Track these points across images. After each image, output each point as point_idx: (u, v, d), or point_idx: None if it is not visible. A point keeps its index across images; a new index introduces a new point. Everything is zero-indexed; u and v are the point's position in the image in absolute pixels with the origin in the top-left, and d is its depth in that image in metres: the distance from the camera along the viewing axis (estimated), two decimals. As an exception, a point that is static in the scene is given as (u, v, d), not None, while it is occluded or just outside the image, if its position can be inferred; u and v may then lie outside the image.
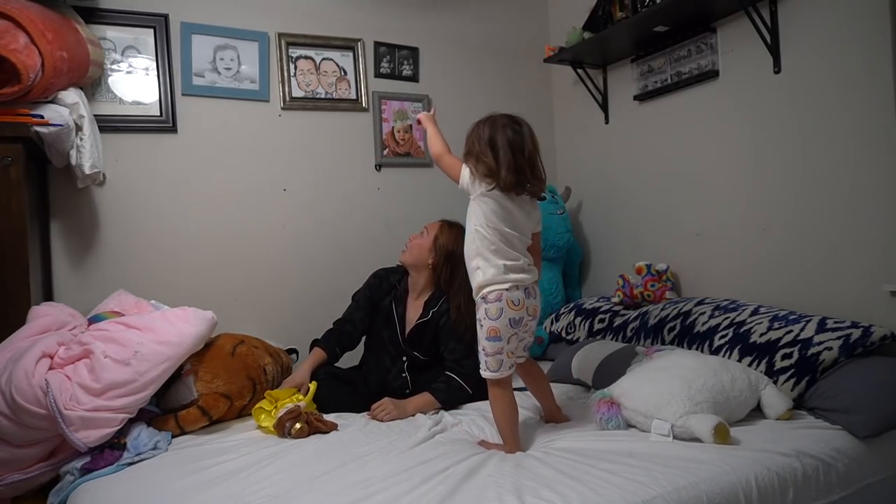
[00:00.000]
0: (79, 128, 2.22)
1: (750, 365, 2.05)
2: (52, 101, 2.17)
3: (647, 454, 1.63)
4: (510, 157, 1.75)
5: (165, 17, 2.68)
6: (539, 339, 3.03)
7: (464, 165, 1.83)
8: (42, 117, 2.07)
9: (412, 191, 3.20)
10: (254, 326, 2.59)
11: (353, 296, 2.50)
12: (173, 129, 2.69)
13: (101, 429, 1.75)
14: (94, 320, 2.08)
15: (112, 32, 2.60)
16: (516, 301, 1.77)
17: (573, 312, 2.98)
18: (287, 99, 2.92)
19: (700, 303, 2.45)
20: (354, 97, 3.08)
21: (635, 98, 3.03)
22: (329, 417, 2.05)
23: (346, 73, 3.06)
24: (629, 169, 3.12)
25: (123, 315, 2.09)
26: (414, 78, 3.23)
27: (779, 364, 2.00)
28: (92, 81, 2.50)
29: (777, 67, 2.39)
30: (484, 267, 1.78)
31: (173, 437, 1.93)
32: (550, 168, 3.57)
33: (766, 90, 2.44)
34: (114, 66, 2.59)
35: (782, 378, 1.97)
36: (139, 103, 2.64)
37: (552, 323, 3.06)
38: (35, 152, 2.19)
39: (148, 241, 2.64)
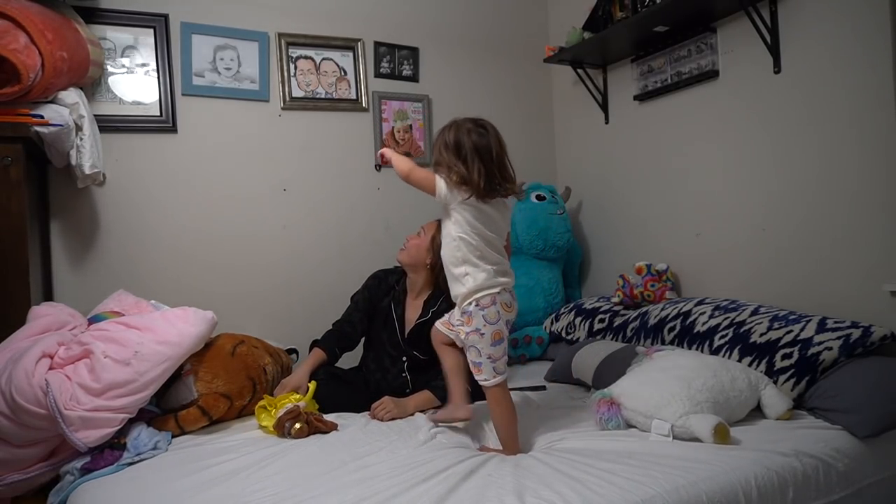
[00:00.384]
0: (79, 128, 2.22)
1: (750, 365, 2.05)
2: (52, 101, 2.17)
3: (646, 454, 1.63)
4: (479, 162, 1.74)
5: (165, 17, 2.68)
6: (539, 338, 3.04)
7: (437, 177, 1.81)
8: (42, 117, 2.07)
9: (412, 191, 3.16)
10: (254, 326, 2.59)
11: (352, 297, 2.50)
12: (173, 129, 2.69)
13: (101, 429, 1.75)
14: (94, 320, 2.07)
15: (112, 32, 2.60)
16: (508, 303, 1.81)
17: (573, 312, 2.99)
18: (287, 99, 2.92)
19: (700, 303, 2.45)
20: (354, 97, 3.08)
21: (635, 98, 3.03)
22: (329, 417, 2.05)
23: (346, 73, 3.06)
24: (629, 169, 3.12)
25: (123, 315, 2.09)
26: (414, 78, 3.23)
27: (779, 364, 2.00)
28: (92, 81, 2.50)
29: (777, 67, 2.39)
30: (473, 273, 1.79)
31: (173, 437, 1.93)
32: (550, 168, 3.60)
33: (766, 90, 2.44)
34: (114, 66, 2.59)
35: (782, 378, 1.97)
36: (139, 103, 2.64)
37: (552, 323, 3.07)
38: (35, 152, 2.19)
39: (148, 240, 2.64)
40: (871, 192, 2.13)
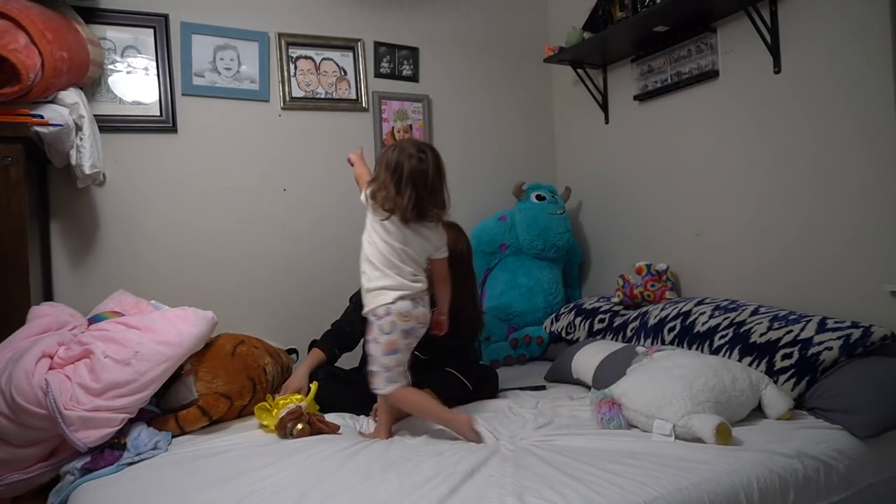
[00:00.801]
0: (79, 128, 2.22)
1: (750, 365, 2.04)
2: (52, 101, 2.17)
3: (648, 454, 1.63)
4: (412, 188, 1.83)
5: (165, 17, 2.68)
6: (539, 338, 3.04)
7: (365, 188, 1.92)
8: (42, 117, 2.07)
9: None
10: (254, 326, 2.59)
11: (351, 298, 2.50)
12: (173, 129, 2.69)
13: (101, 429, 1.75)
14: (94, 320, 2.07)
15: (112, 32, 2.60)
16: (405, 312, 1.85)
17: (573, 312, 2.99)
18: (287, 99, 2.92)
19: (700, 303, 2.45)
20: (354, 97, 3.08)
21: (635, 98, 3.03)
22: (329, 418, 2.05)
23: (346, 73, 3.06)
24: (629, 169, 3.12)
25: (123, 315, 2.09)
26: (414, 78, 3.23)
27: (779, 364, 2.00)
28: (92, 81, 2.50)
29: (777, 67, 2.39)
30: (368, 272, 1.89)
31: (173, 437, 1.93)
32: (550, 168, 3.60)
33: (766, 90, 2.44)
34: (114, 66, 2.59)
35: (782, 378, 1.97)
36: (139, 103, 2.64)
37: (552, 323, 3.07)
38: (35, 152, 2.19)
39: (148, 241, 2.64)
40: (871, 192, 2.13)
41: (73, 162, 2.23)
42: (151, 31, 2.66)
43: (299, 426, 1.90)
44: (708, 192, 2.71)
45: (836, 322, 2.03)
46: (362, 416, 2.14)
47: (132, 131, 2.62)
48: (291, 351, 2.59)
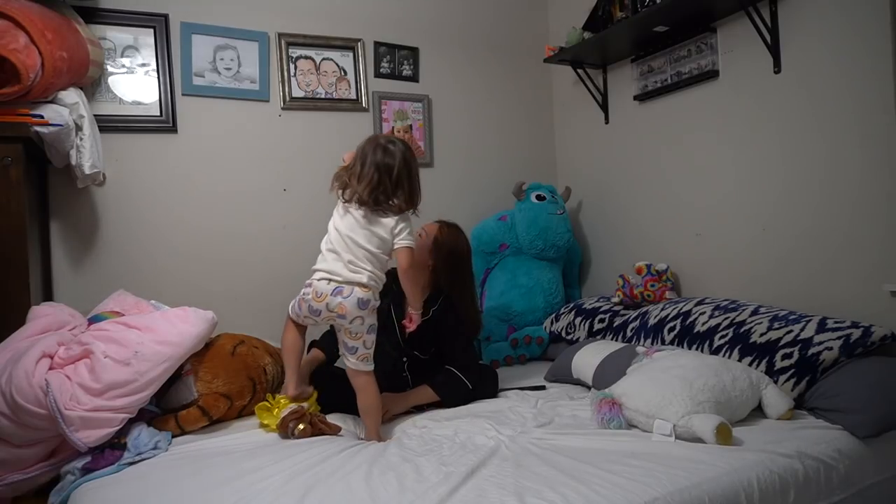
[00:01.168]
0: (79, 128, 2.22)
1: (750, 365, 2.04)
2: (52, 101, 2.17)
3: (649, 454, 1.63)
4: (376, 175, 1.91)
5: (165, 17, 2.68)
6: (539, 338, 3.04)
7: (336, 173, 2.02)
8: (42, 117, 2.07)
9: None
10: (254, 326, 2.58)
11: None
12: (173, 129, 2.69)
13: (102, 429, 1.75)
14: (94, 320, 2.07)
15: (112, 32, 2.60)
16: (319, 292, 1.91)
17: (573, 312, 2.98)
18: (287, 99, 2.92)
19: (700, 303, 2.45)
20: (354, 97, 3.08)
21: (635, 98, 3.03)
22: (330, 418, 2.05)
23: (346, 73, 3.06)
24: (629, 169, 3.12)
25: (123, 315, 2.09)
26: (414, 78, 3.23)
27: (779, 364, 2.00)
28: (92, 81, 2.50)
29: (777, 67, 2.39)
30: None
31: (173, 437, 1.92)
32: (550, 168, 3.60)
33: (766, 90, 2.44)
34: (114, 66, 2.59)
35: (782, 378, 1.97)
36: (139, 103, 2.64)
37: (552, 323, 3.07)
38: (35, 152, 2.18)
39: (148, 241, 2.64)
40: (871, 192, 2.13)
41: (73, 162, 2.23)
42: (151, 31, 2.66)
43: (301, 426, 1.89)
44: (708, 191, 2.71)
45: (836, 322, 2.03)
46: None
47: (132, 131, 2.62)
48: (291, 351, 2.58)
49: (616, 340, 2.65)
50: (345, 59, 3.06)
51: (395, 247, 1.96)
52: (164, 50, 2.67)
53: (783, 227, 2.41)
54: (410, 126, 3.20)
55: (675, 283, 2.81)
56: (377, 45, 3.13)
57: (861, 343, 1.94)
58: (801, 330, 2.04)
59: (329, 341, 2.40)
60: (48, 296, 2.42)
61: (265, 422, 1.98)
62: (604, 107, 3.26)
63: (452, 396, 2.24)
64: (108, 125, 2.53)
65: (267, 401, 2.05)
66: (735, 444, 1.68)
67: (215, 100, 2.78)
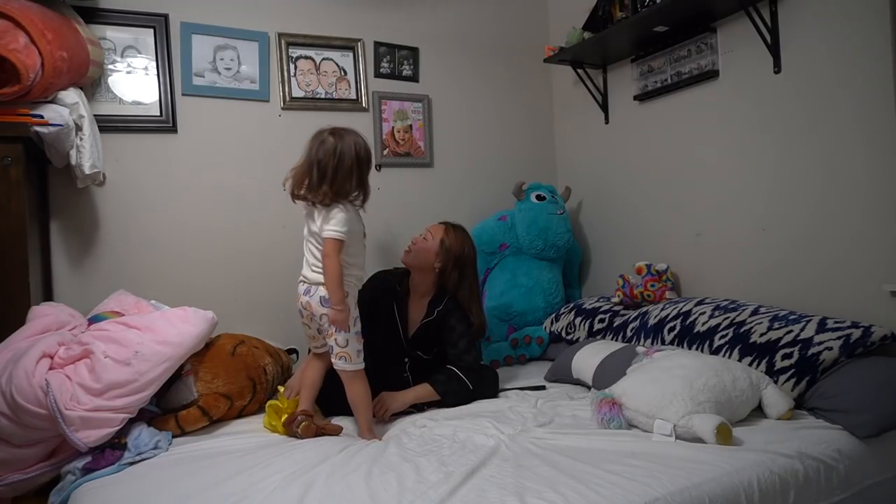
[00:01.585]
0: (79, 128, 2.22)
1: (750, 365, 2.04)
2: (52, 101, 2.17)
3: (649, 454, 1.63)
4: (305, 166, 1.95)
5: (165, 17, 2.67)
6: (539, 338, 3.04)
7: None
8: (42, 117, 2.07)
9: (412, 191, 3.20)
10: (254, 326, 2.59)
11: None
12: (173, 129, 2.69)
13: (102, 429, 1.75)
14: (94, 320, 2.07)
15: (112, 32, 2.60)
16: (299, 293, 2.02)
17: (573, 312, 2.98)
18: (287, 99, 2.92)
19: (700, 303, 2.45)
20: (354, 97, 3.08)
21: (635, 98, 3.03)
22: (331, 419, 2.06)
23: (346, 73, 3.06)
24: (629, 169, 3.12)
25: (123, 315, 2.09)
26: (414, 78, 3.23)
27: (779, 364, 2.00)
28: (92, 81, 2.50)
29: (777, 67, 2.39)
30: None
31: (173, 437, 1.93)
32: (550, 168, 3.60)
33: (766, 90, 2.44)
34: (114, 66, 2.59)
35: (782, 378, 1.97)
36: (139, 103, 2.64)
37: (552, 323, 3.07)
38: (35, 152, 2.19)
39: (148, 240, 2.64)
40: (871, 192, 2.13)
41: (73, 162, 2.23)
42: (151, 31, 2.65)
43: (304, 423, 1.90)
44: (708, 191, 2.71)
45: (836, 322, 2.03)
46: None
47: (132, 131, 2.62)
48: (291, 351, 2.59)
49: (616, 340, 2.65)
50: (345, 59, 3.06)
51: (323, 235, 1.92)
52: (164, 50, 2.66)
53: (783, 227, 2.41)
54: (410, 126, 3.20)
55: (675, 283, 2.81)
56: (377, 45, 3.13)
57: (861, 343, 1.94)
58: (801, 330, 2.04)
59: None
60: (48, 296, 2.42)
61: (273, 422, 1.98)
62: (604, 107, 3.25)
63: (453, 396, 2.24)
64: (108, 125, 2.53)
65: (277, 399, 2.05)
66: (735, 444, 1.68)
67: (215, 100, 2.78)
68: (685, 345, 2.31)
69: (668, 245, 2.91)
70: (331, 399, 2.15)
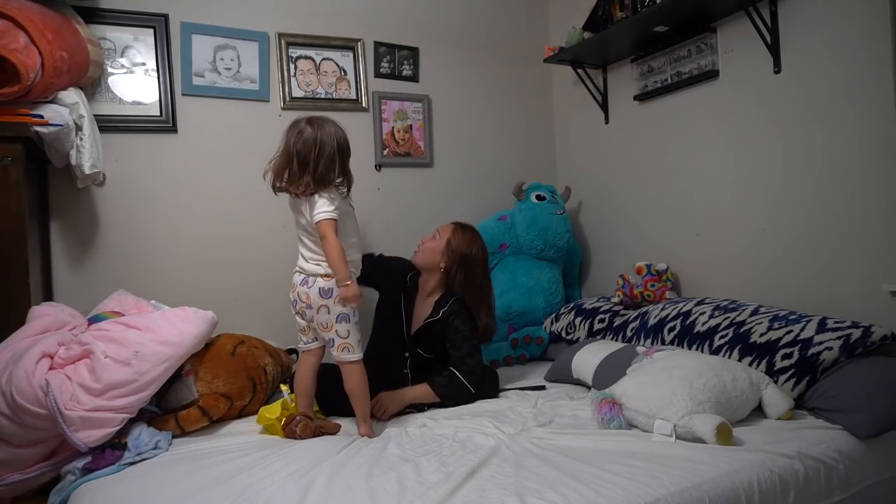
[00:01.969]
0: (79, 128, 2.22)
1: (750, 365, 2.05)
2: (52, 101, 2.16)
3: (649, 455, 1.63)
4: (282, 157, 1.94)
5: (165, 17, 2.67)
6: (539, 338, 3.04)
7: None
8: (42, 117, 2.07)
9: (412, 191, 3.20)
10: (254, 326, 2.59)
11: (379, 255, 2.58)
12: (173, 129, 2.69)
13: (102, 429, 1.75)
14: (94, 320, 2.07)
15: (112, 32, 2.60)
16: (292, 284, 2.00)
17: (573, 312, 2.99)
18: (287, 99, 2.92)
19: (700, 303, 2.45)
20: (354, 97, 3.08)
21: (635, 98, 3.03)
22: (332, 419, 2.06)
23: (346, 73, 3.06)
24: (629, 169, 3.12)
25: (123, 315, 2.09)
26: (414, 78, 3.23)
27: (779, 364, 2.00)
28: (92, 81, 2.50)
29: (777, 67, 2.39)
30: None
31: (173, 437, 1.93)
32: (550, 168, 3.60)
33: (766, 90, 2.44)
34: (114, 67, 2.59)
35: (782, 378, 1.97)
36: (139, 103, 2.63)
37: (552, 323, 3.07)
38: (35, 152, 2.18)
39: (148, 241, 2.64)
40: (871, 192, 2.13)
41: (73, 162, 2.23)
42: (151, 31, 2.65)
43: (302, 423, 1.90)
44: (708, 192, 2.71)
45: (836, 322, 2.03)
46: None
47: (132, 131, 2.62)
48: (291, 351, 2.59)
49: (616, 340, 2.65)
50: (345, 59, 3.06)
51: (314, 221, 1.90)
52: (164, 50, 2.66)
53: (783, 226, 2.41)
54: (410, 126, 3.20)
55: (675, 283, 2.81)
56: (377, 45, 3.13)
57: (861, 343, 1.94)
58: (801, 330, 2.04)
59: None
60: (48, 296, 2.42)
61: (272, 421, 1.98)
62: (604, 107, 3.26)
63: (453, 399, 2.23)
64: (108, 125, 2.53)
65: (286, 397, 2.05)
66: (735, 444, 1.68)
67: (215, 100, 2.78)
68: (685, 345, 2.31)
69: (668, 245, 2.91)
70: (330, 399, 2.15)
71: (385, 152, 3.14)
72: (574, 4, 3.26)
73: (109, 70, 2.58)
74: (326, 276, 1.93)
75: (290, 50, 2.94)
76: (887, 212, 2.08)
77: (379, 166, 3.12)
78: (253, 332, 2.47)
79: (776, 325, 2.11)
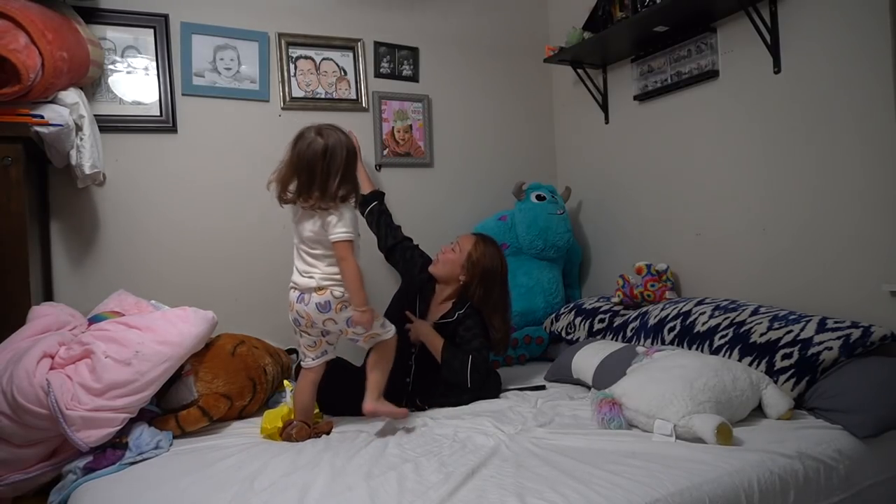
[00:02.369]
0: (79, 128, 2.22)
1: (750, 365, 2.05)
2: (52, 101, 2.17)
3: (649, 455, 1.63)
4: (288, 168, 1.86)
5: (165, 17, 2.67)
6: (539, 338, 3.04)
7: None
8: (42, 117, 2.07)
9: (412, 191, 3.20)
10: (254, 326, 2.59)
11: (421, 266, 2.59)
12: (173, 129, 2.69)
13: (102, 428, 1.75)
14: (94, 320, 2.07)
15: (112, 32, 2.60)
16: (290, 303, 1.93)
17: (573, 312, 2.99)
18: (287, 99, 2.92)
19: (700, 303, 2.45)
20: (354, 97, 3.08)
21: (635, 98, 3.03)
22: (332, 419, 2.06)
23: (346, 73, 3.06)
24: (629, 169, 3.12)
25: (123, 315, 2.09)
26: (414, 78, 3.23)
27: (779, 364, 2.00)
28: (92, 81, 2.50)
29: (777, 67, 2.39)
30: None
31: (174, 437, 1.93)
32: (550, 168, 3.60)
33: (766, 90, 2.44)
34: (114, 66, 2.59)
35: (782, 378, 1.97)
36: (139, 103, 2.63)
37: (552, 323, 3.07)
38: (35, 152, 2.18)
39: (148, 241, 2.64)
40: (871, 192, 2.13)
41: (73, 162, 2.23)
42: (151, 31, 2.65)
43: (297, 426, 1.91)
44: (708, 191, 2.71)
45: (835, 322, 2.03)
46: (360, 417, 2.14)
47: (132, 131, 2.62)
48: (291, 351, 2.59)
49: (616, 340, 2.65)
50: (345, 59, 3.06)
51: (332, 240, 1.85)
52: (164, 50, 2.66)
53: (783, 226, 2.41)
54: (410, 126, 3.20)
55: (675, 283, 2.81)
56: (377, 45, 3.13)
57: (861, 343, 1.94)
58: (801, 330, 2.04)
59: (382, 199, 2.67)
60: (48, 296, 2.42)
61: (273, 432, 1.97)
62: (604, 107, 3.26)
63: (450, 372, 2.22)
64: (108, 125, 2.53)
65: (288, 393, 2.04)
66: (735, 444, 1.68)
67: (215, 100, 2.78)
68: (685, 345, 2.31)
69: (668, 245, 2.91)
70: (331, 399, 2.15)
71: (385, 152, 3.14)
72: (574, 4, 3.26)
73: (109, 70, 2.58)
74: (319, 289, 1.87)
75: (290, 50, 2.94)
76: (887, 212, 2.08)
77: (379, 166, 3.12)
78: (253, 332, 2.47)
79: (776, 325, 2.11)
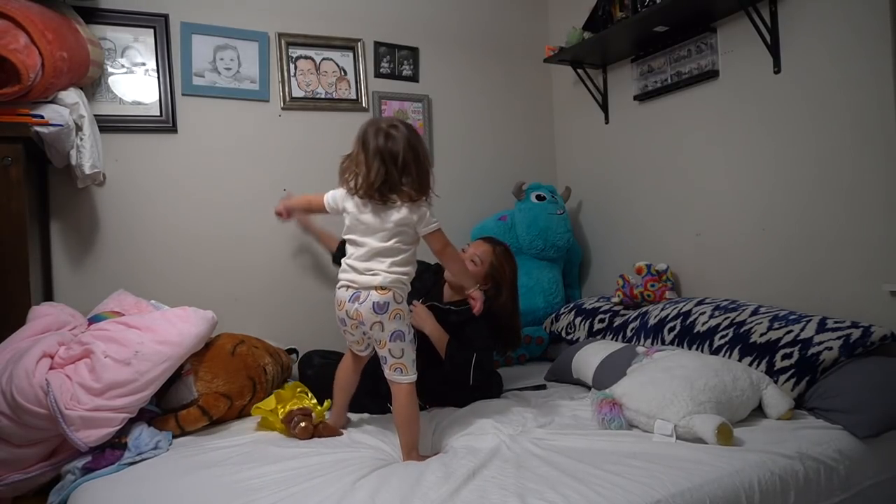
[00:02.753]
0: (79, 128, 2.22)
1: (750, 365, 2.05)
2: (52, 101, 2.16)
3: (650, 455, 1.63)
4: (380, 163, 1.76)
5: (165, 17, 2.67)
6: (539, 338, 3.04)
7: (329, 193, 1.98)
8: (42, 117, 2.07)
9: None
10: (254, 326, 2.59)
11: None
12: (173, 129, 2.69)
13: (102, 428, 1.75)
14: (94, 320, 2.07)
15: (112, 32, 2.59)
16: (339, 301, 1.85)
17: (573, 312, 2.99)
18: (287, 99, 2.92)
19: (700, 303, 2.45)
20: (354, 97, 3.08)
21: (635, 98, 3.03)
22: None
23: (346, 73, 3.06)
24: (629, 169, 3.12)
25: (123, 315, 2.09)
26: (414, 78, 3.23)
27: (779, 364, 2.00)
28: (92, 81, 2.50)
29: (777, 67, 2.40)
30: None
31: (173, 437, 1.93)
32: (550, 168, 3.60)
33: (766, 90, 2.44)
34: (114, 67, 2.59)
35: (782, 378, 1.97)
36: (139, 103, 2.63)
37: (552, 323, 3.07)
38: (35, 152, 2.18)
39: (148, 240, 2.64)
40: (870, 192, 2.13)
41: (73, 162, 2.23)
42: (151, 31, 2.65)
43: (302, 424, 1.90)
44: (708, 191, 2.71)
45: (835, 322, 2.03)
46: (359, 417, 2.13)
47: (132, 131, 2.62)
48: (291, 351, 2.59)
49: (616, 340, 2.65)
50: (345, 59, 3.06)
51: (423, 234, 1.83)
52: (164, 50, 2.66)
53: (783, 226, 2.41)
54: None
55: (675, 283, 2.81)
56: (377, 45, 3.12)
57: (861, 343, 1.94)
58: (801, 330, 2.04)
59: None
60: (48, 296, 2.42)
61: (270, 418, 1.97)
62: (604, 107, 3.26)
63: (453, 367, 2.18)
64: (108, 125, 2.53)
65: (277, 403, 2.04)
66: (736, 444, 1.68)
67: (215, 100, 2.78)
68: (685, 345, 2.31)
69: (668, 245, 2.91)
70: (330, 389, 2.11)
71: (385, 152, 3.13)
72: (574, 4, 3.26)
73: (109, 70, 2.58)
74: (382, 289, 1.78)
75: (290, 50, 2.94)
76: (887, 211, 2.09)
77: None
78: (253, 332, 2.47)
79: (776, 325, 2.11)
